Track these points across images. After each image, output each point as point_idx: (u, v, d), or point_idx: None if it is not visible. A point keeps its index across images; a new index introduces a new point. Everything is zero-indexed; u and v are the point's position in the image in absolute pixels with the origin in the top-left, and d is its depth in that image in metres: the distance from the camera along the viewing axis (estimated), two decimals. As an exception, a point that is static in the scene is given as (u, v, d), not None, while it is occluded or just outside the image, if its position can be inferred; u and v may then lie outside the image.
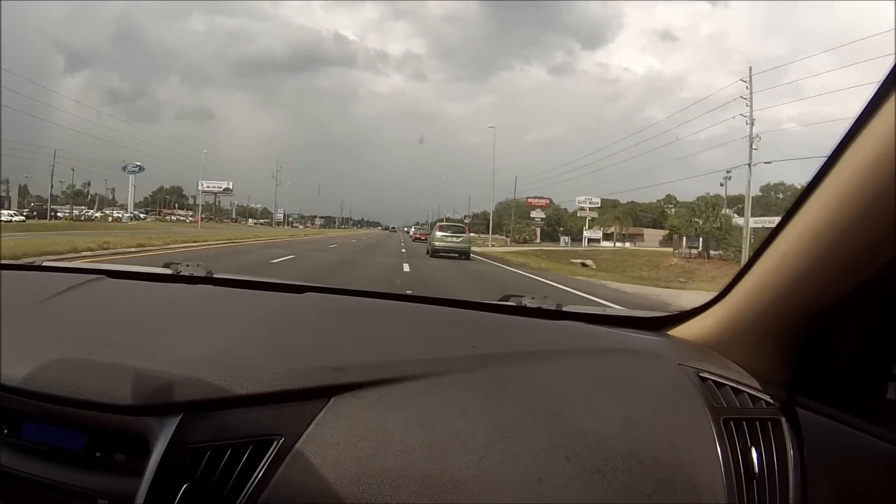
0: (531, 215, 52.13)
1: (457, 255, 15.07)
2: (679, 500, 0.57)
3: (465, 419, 0.62)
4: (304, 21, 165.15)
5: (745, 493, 0.60)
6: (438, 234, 15.77)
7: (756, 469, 0.62)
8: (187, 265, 1.16)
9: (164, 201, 66.59)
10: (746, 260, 0.75)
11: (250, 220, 67.79)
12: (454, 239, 15.45)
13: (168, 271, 1.15)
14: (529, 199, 53.02)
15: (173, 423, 0.61)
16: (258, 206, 71.69)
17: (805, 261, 0.60)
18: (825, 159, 0.55)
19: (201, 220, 51.77)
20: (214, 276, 1.12)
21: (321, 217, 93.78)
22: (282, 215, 76.31)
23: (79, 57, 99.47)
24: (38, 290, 0.89)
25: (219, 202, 65.35)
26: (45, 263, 1.25)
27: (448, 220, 25.43)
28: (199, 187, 57.99)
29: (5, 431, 0.67)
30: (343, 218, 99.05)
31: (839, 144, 0.53)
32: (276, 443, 0.59)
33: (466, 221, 43.45)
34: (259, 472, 0.58)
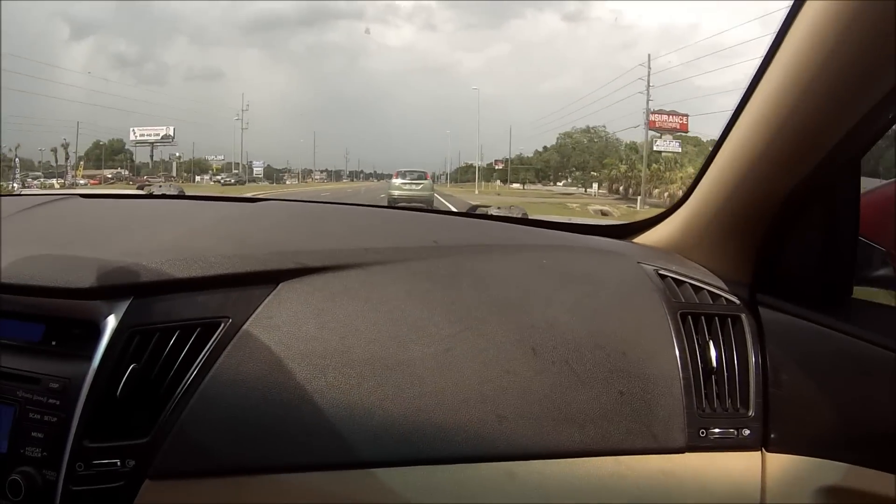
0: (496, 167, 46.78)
1: (419, 204, 12.93)
2: (637, 393, 0.59)
3: (424, 307, 0.62)
4: None
5: (704, 388, 0.61)
6: (396, 181, 13.86)
7: (714, 364, 0.62)
8: (160, 186, 1.40)
9: (99, 158, 51.48)
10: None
11: (205, 178, 51.88)
12: (414, 187, 13.53)
13: (141, 192, 1.20)
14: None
15: (123, 306, 0.61)
16: (216, 158, 53.89)
17: (753, 154, 0.60)
18: (760, 60, 0.56)
19: (118, 180, 39.44)
20: (185, 194, 1.16)
21: (320, 171, 78.74)
22: (261, 169, 61.64)
23: (83, 25, 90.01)
24: (10, 208, 0.89)
25: (161, 156, 50.30)
26: (22, 192, 1.32)
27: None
28: (131, 136, 45.80)
29: None
30: (352, 172, 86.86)
31: (773, 41, 0.54)
32: (223, 324, 0.60)
33: (498, 167, 39.46)
34: (206, 353, 0.59)
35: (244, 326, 0.60)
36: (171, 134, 44.40)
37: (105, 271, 0.63)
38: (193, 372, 0.58)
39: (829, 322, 0.61)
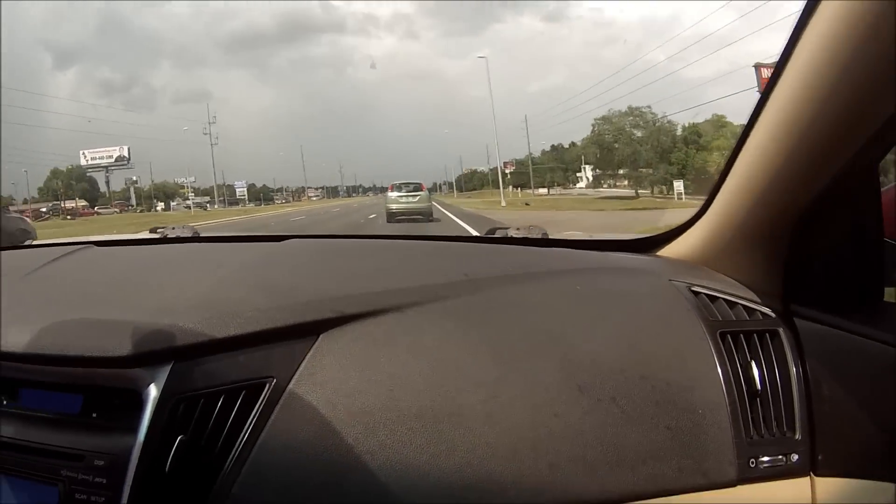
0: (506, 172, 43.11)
1: (418, 216, 12.99)
2: (686, 426, 0.57)
3: (466, 349, 0.61)
4: None
5: (750, 412, 0.60)
6: (392, 194, 13.89)
7: (758, 385, 0.61)
8: (173, 228, 1.16)
9: (56, 190, 40.91)
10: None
11: (168, 204, 43.20)
12: (410, 199, 13.64)
13: (155, 236, 1.14)
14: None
15: (164, 373, 0.59)
16: (186, 180, 43.38)
17: (773, 163, 0.59)
18: (777, 59, 0.54)
19: (54, 214, 31.45)
20: (201, 234, 1.12)
21: (315, 189, 72.91)
22: (243, 190, 54.20)
23: (66, 53, 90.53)
24: (26, 264, 0.88)
25: (111, 180, 41.23)
26: (32, 243, 1.25)
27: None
28: (83, 160, 37.92)
29: (4, 403, 0.66)
30: (347, 187, 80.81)
31: (787, 44, 0.53)
32: (268, 385, 0.59)
33: (509, 170, 36.95)
34: (253, 418, 0.57)
35: (289, 386, 0.59)
36: (126, 155, 37.84)
37: (141, 336, 0.61)
38: (243, 439, 0.57)
39: (865, 331, 0.59)
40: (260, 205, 49.18)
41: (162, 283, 0.78)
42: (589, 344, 0.61)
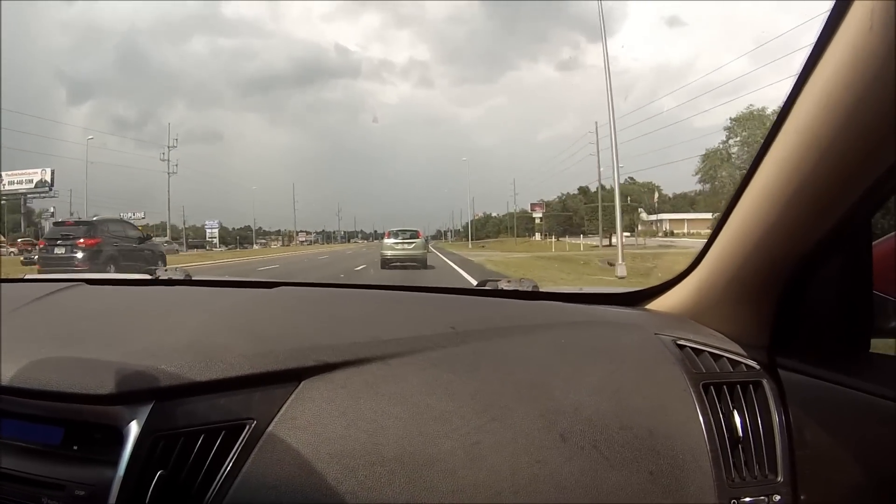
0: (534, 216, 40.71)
1: (413, 263, 12.93)
2: (667, 470, 0.58)
3: (449, 398, 0.62)
4: (304, 35, 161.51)
5: (731, 457, 0.61)
6: (388, 241, 13.72)
7: (740, 433, 0.62)
8: (165, 269, 1.18)
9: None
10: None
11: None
12: (406, 246, 13.44)
13: (147, 276, 1.15)
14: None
15: (145, 411, 0.60)
16: (134, 216, 31.35)
17: (766, 218, 0.60)
18: (772, 124, 0.56)
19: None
20: (193, 278, 1.13)
21: (308, 233, 70.29)
22: (214, 231, 48.84)
23: (82, 87, 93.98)
24: (17, 297, 0.89)
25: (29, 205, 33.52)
26: (26, 276, 1.26)
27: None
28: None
29: None
30: (345, 232, 79.12)
31: (786, 101, 0.54)
32: (248, 427, 0.60)
33: (536, 214, 34.17)
34: (232, 457, 0.58)
35: (269, 428, 0.60)
36: (49, 179, 30.43)
37: (124, 375, 0.62)
38: (222, 477, 0.58)
39: (849, 382, 0.60)
40: (235, 248, 45.78)
41: (149, 325, 0.79)
42: (572, 395, 0.62)
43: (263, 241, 59.63)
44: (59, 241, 9.69)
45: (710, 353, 0.69)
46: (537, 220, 38.23)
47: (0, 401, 0.65)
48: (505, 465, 0.57)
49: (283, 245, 54.19)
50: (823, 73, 0.49)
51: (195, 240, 43.03)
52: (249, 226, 62.28)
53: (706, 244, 0.73)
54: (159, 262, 10.39)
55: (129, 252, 10.08)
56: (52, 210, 32.86)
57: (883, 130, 0.47)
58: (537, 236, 34.41)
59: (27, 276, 1.26)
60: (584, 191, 39.46)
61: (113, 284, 1.12)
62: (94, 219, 11.83)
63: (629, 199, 30.22)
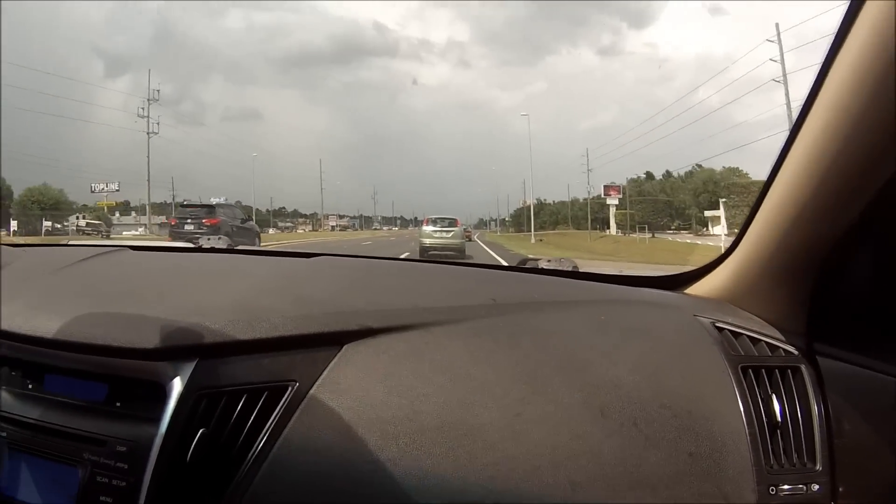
0: (608, 202, 34.67)
1: (451, 252, 12.28)
2: (706, 452, 0.57)
3: (490, 368, 0.62)
4: (342, 12, 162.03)
5: (770, 443, 0.60)
6: (427, 229, 13.27)
7: (779, 418, 0.62)
8: (208, 239, 1.20)
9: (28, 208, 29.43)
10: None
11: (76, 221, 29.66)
12: (444, 234, 13.04)
13: (191, 245, 1.18)
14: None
15: (189, 368, 0.61)
16: (106, 188, 30.44)
17: (801, 198, 0.59)
18: (804, 98, 0.55)
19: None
20: (235, 247, 1.15)
21: (342, 217, 69.36)
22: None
23: (119, 61, 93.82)
24: (63, 260, 0.92)
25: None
26: (70, 243, 1.29)
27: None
28: None
29: (30, 386, 0.69)
30: (382, 217, 75.50)
31: (815, 80, 0.53)
32: (290, 389, 0.60)
33: (612, 199, 28.17)
34: (275, 418, 0.59)
35: (311, 391, 0.60)
36: (117, 188, 28.82)
37: (169, 331, 0.63)
38: (264, 437, 0.58)
39: (890, 370, 0.60)
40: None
41: (193, 286, 0.80)
42: (611, 370, 0.62)
43: (290, 223, 55.82)
44: (188, 220, 11.70)
45: (748, 336, 0.68)
46: (613, 208, 30.50)
47: (46, 355, 0.67)
48: (545, 439, 0.57)
49: (311, 230, 51.06)
50: (856, 40, 0.48)
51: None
52: (284, 207, 61.38)
53: (742, 227, 0.71)
54: (255, 240, 12.94)
55: (237, 230, 12.04)
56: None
57: None
58: (612, 228, 27.83)
59: (71, 242, 1.28)
60: (649, 175, 31.76)
61: (157, 251, 1.15)
62: (213, 202, 15.53)
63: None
